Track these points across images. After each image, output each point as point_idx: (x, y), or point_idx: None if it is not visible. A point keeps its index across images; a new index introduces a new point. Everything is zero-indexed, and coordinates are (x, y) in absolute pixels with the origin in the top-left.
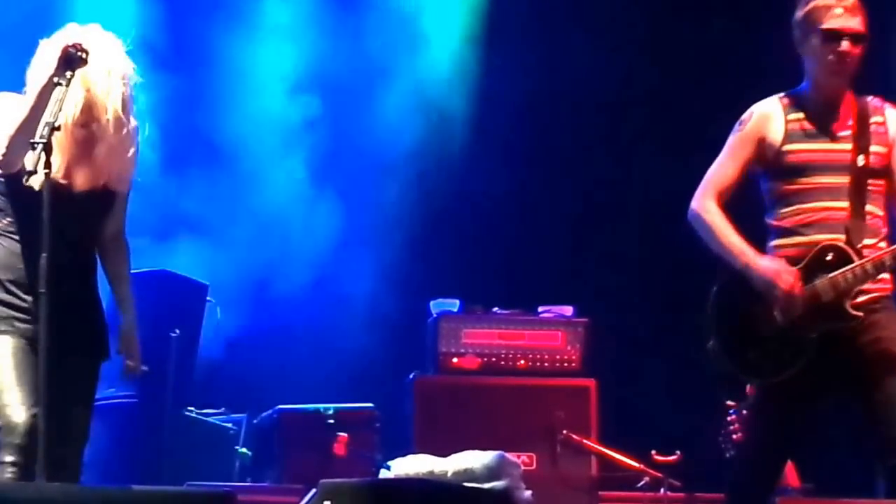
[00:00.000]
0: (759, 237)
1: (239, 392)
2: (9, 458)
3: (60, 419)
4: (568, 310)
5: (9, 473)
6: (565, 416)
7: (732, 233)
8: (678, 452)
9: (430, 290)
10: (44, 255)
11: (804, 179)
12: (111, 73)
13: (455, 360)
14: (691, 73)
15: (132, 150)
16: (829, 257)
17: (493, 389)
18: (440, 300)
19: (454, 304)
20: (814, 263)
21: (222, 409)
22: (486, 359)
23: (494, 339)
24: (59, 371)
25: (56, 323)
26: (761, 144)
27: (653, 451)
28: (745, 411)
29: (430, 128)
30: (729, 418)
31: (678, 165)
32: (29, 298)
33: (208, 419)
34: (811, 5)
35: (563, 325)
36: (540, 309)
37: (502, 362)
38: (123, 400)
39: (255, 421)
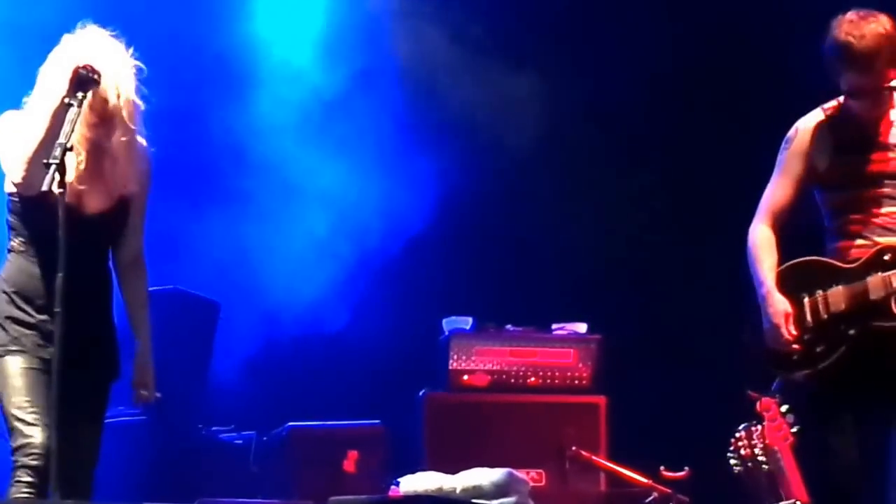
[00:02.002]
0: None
1: (249, 409)
2: (26, 478)
3: (71, 438)
4: (582, 327)
5: (24, 492)
6: (575, 433)
7: (766, 259)
8: (687, 468)
9: (443, 308)
10: (60, 274)
11: (860, 190)
12: (120, 63)
13: (465, 377)
14: (705, 95)
15: (143, 161)
16: (886, 257)
17: (502, 406)
18: (453, 318)
19: (467, 322)
20: (870, 262)
21: (232, 427)
22: (496, 376)
23: (506, 357)
24: (70, 390)
25: (67, 341)
26: (810, 159)
27: (661, 467)
28: (752, 427)
29: (439, 145)
30: (736, 434)
31: (689, 184)
32: (40, 317)
33: (218, 436)
34: (836, 30)
35: (576, 343)
36: (553, 326)
37: (512, 380)
38: (133, 418)
39: (265, 438)
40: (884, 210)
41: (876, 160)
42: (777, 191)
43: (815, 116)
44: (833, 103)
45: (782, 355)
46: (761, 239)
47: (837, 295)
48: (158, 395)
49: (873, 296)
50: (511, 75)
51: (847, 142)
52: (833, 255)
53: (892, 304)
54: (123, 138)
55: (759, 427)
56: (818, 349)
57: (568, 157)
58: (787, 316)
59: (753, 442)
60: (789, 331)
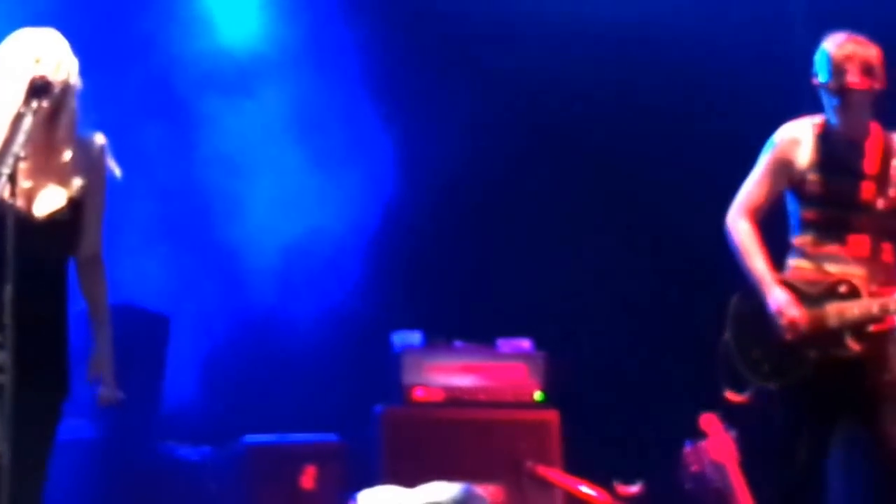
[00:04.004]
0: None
1: (204, 425)
2: None
3: (18, 456)
4: (525, 343)
5: None
6: (530, 448)
7: (758, 255)
8: (640, 483)
9: (388, 321)
10: (7, 286)
11: (826, 210)
12: (66, 60)
13: (419, 392)
14: (645, 107)
15: (91, 150)
16: (842, 289)
17: (457, 421)
18: (402, 332)
19: (415, 337)
20: (828, 290)
21: (187, 442)
22: (449, 392)
23: (457, 373)
24: (17, 406)
25: (16, 356)
26: (789, 167)
27: (615, 482)
28: (699, 444)
29: (391, 159)
30: (684, 451)
31: (634, 194)
32: None
33: (174, 453)
34: (823, 47)
35: (525, 359)
36: (498, 341)
37: (465, 395)
38: (87, 434)
39: (221, 454)
40: (847, 238)
41: (852, 186)
42: (757, 189)
43: (803, 126)
44: (819, 119)
45: (755, 361)
46: (747, 234)
47: (801, 314)
48: (122, 395)
49: (830, 324)
50: (452, 84)
51: (827, 159)
52: (791, 273)
53: (847, 338)
54: (67, 131)
55: (705, 443)
56: (785, 365)
57: (507, 169)
58: (788, 302)
59: (701, 458)
60: (793, 313)
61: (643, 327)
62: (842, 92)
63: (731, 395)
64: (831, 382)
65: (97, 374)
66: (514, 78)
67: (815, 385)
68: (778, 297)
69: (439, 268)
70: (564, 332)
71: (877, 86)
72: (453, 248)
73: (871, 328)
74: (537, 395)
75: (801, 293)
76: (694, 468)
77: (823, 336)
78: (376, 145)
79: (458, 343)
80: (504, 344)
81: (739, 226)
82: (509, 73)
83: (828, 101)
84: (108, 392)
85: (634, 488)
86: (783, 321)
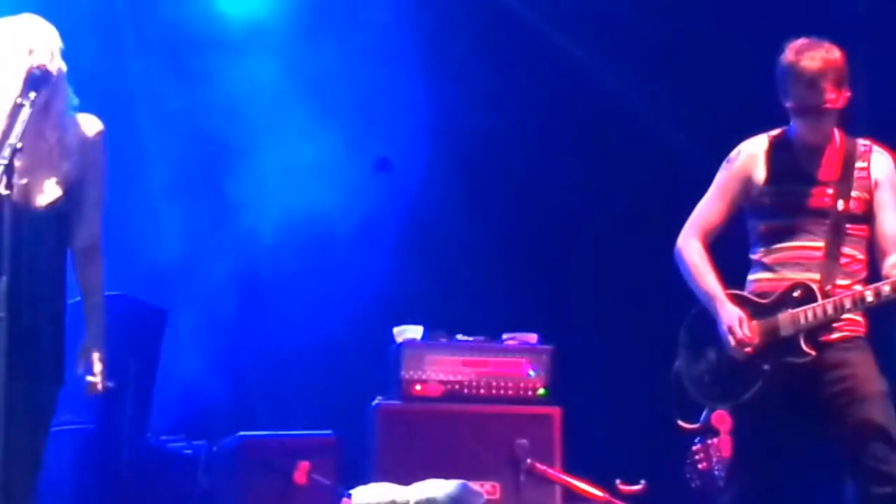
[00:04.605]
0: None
1: (199, 419)
2: None
3: (11, 446)
4: (532, 337)
5: None
6: (529, 445)
7: (709, 273)
8: (643, 482)
9: (393, 316)
10: (3, 277)
11: (784, 220)
12: (55, 45)
13: (418, 387)
14: (649, 98)
15: (82, 132)
16: (796, 294)
17: (456, 417)
18: (403, 327)
19: (417, 331)
20: (781, 298)
21: (182, 436)
22: (449, 386)
23: (458, 367)
24: (11, 394)
25: (13, 344)
26: (747, 183)
27: (618, 481)
28: (709, 441)
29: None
30: (693, 448)
31: (642, 193)
32: None
33: (167, 446)
34: (786, 53)
35: (528, 353)
36: (504, 336)
37: (466, 390)
38: (80, 426)
39: (215, 448)
40: (802, 244)
41: (805, 193)
42: (711, 209)
43: (760, 142)
44: (777, 131)
45: (705, 385)
46: (698, 254)
47: (752, 329)
48: (110, 384)
49: (783, 332)
50: (457, 77)
51: (782, 170)
52: (750, 286)
53: (802, 342)
54: (58, 118)
55: (716, 440)
56: (738, 383)
57: (513, 166)
58: (740, 320)
59: (710, 455)
60: (745, 332)
61: (652, 323)
62: (819, 112)
63: (684, 425)
64: (787, 390)
65: (87, 362)
66: (532, 65)
67: (770, 395)
68: (729, 315)
69: (446, 260)
70: (571, 327)
71: (848, 94)
72: (461, 241)
73: (824, 338)
74: (540, 392)
75: (753, 305)
76: (702, 465)
77: (777, 346)
78: (392, 133)
79: (460, 337)
80: (508, 338)
81: (691, 244)
82: (529, 60)
83: (799, 118)
84: (96, 380)
85: (637, 487)
86: (733, 342)
